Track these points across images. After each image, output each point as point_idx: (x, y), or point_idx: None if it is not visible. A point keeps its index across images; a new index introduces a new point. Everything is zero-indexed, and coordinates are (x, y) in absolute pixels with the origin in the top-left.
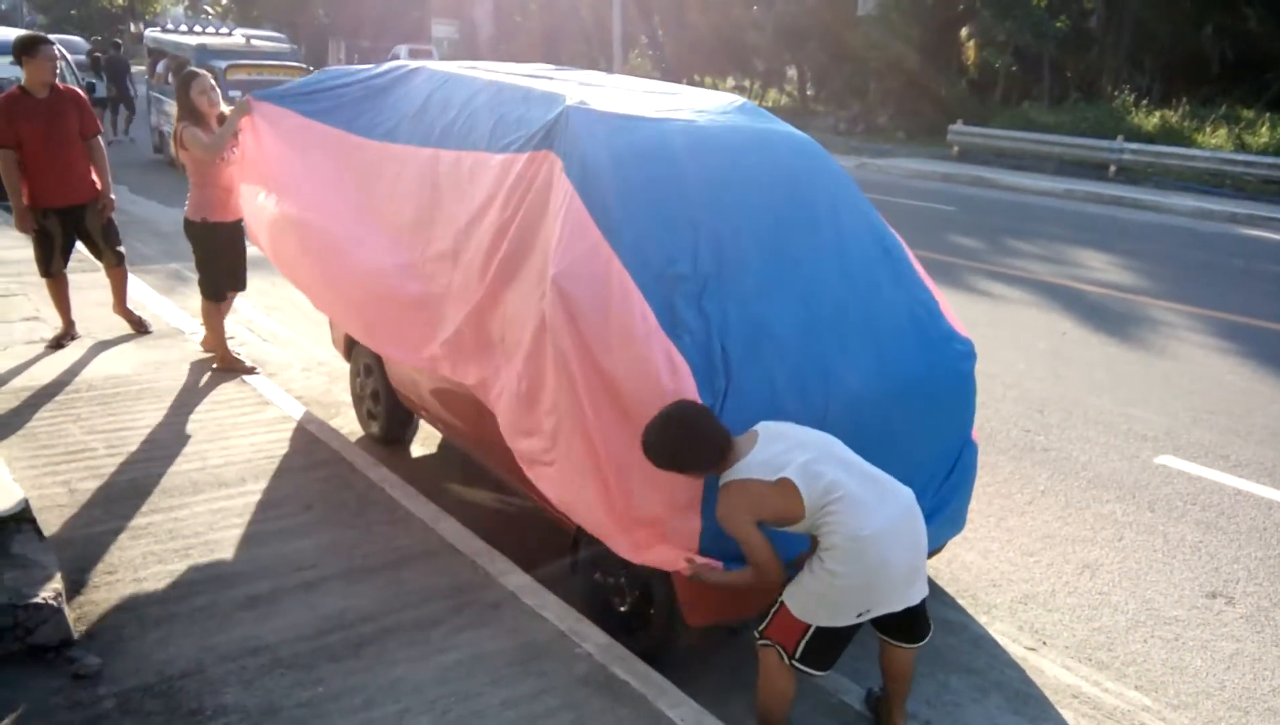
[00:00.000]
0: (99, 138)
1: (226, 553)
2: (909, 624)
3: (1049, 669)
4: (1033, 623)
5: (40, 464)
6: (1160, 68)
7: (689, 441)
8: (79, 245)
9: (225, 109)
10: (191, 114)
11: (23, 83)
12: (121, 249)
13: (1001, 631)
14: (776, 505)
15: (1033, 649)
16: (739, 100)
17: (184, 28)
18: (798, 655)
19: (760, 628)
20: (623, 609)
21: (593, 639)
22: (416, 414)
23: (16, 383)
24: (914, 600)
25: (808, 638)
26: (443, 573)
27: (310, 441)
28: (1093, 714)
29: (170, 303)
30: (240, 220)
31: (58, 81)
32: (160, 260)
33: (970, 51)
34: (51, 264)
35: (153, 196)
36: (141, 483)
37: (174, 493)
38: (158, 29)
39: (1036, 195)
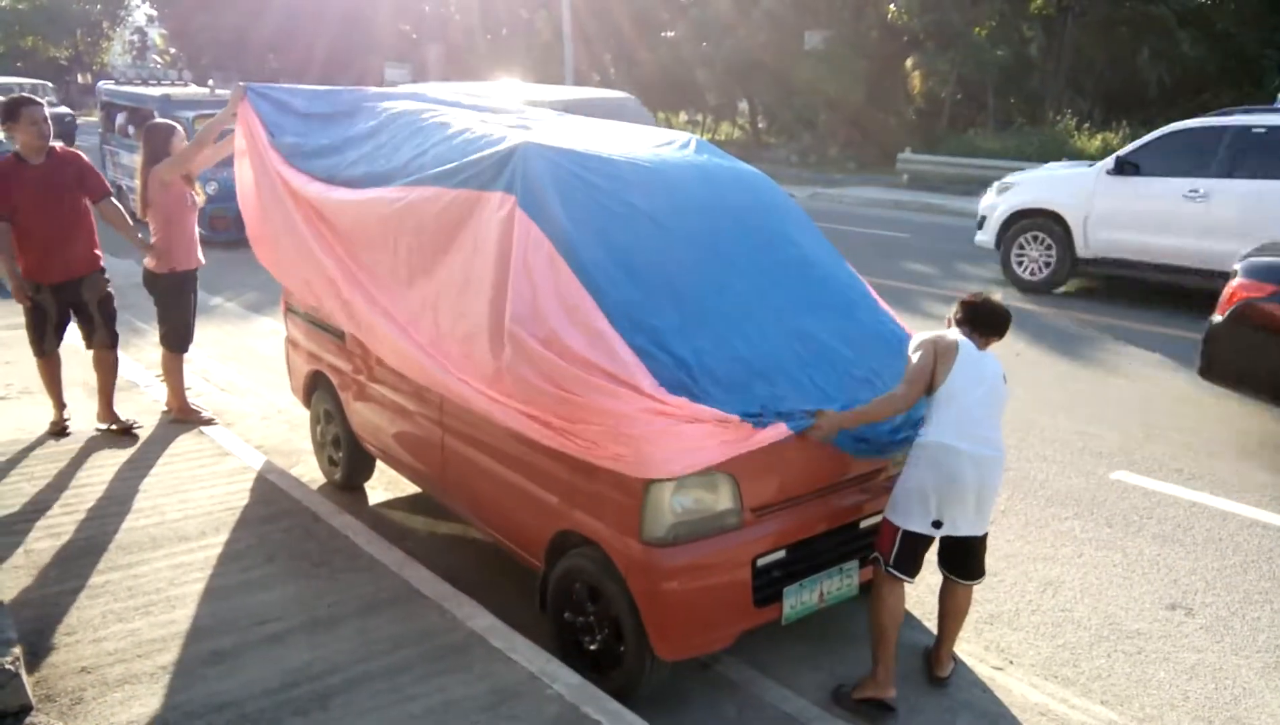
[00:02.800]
0: (111, 199)
1: (188, 608)
2: (967, 558)
3: (1016, 688)
4: (998, 642)
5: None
6: (1100, 93)
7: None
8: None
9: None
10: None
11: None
12: (116, 330)
13: (968, 652)
14: (942, 357)
15: (999, 668)
16: (689, 137)
17: (139, 80)
18: (891, 561)
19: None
20: (593, 647)
21: (563, 679)
22: (378, 458)
23: None
24: (978, 531)
25: (898, 543)
26: (410, 619)
27: (271, 491)
28: None
29: (124, 355)
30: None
31: (55, 144)
32: None
33: (916, 82)
34: (45, 342)
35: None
36: (98, 540)
37: (132, 549)
38: (111, 81)
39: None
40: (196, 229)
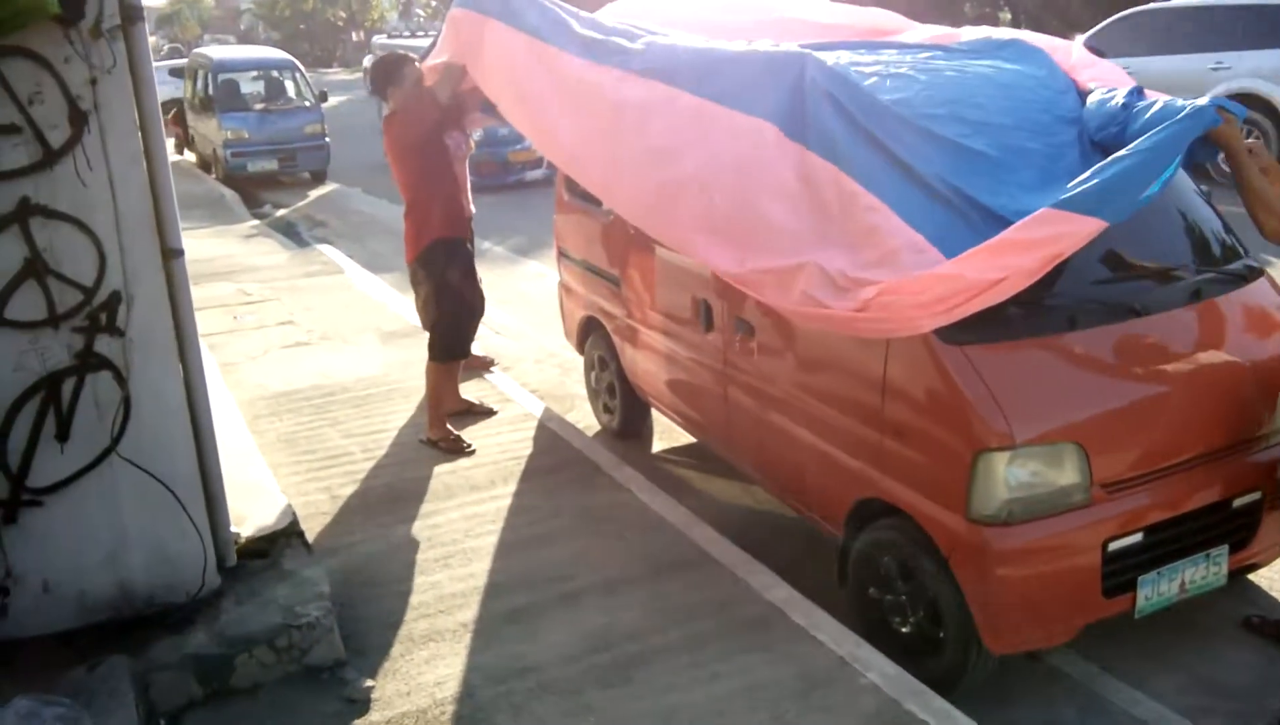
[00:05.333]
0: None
1: (483, 562)
2: None
3: None
4: None
5: (303, 470)
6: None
7: None
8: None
9: None
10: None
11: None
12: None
13: None
14: None
15: None
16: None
17: (409, 32)
18: None
19: None
20: (904, 630)
21: (878, 668)
22: (654, 407)
23: (276, 387)
24: None
25: None
26: (703, 585)
27: (552, 440)
28: None
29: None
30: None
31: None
32: (396, 258)
33: None
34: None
35: (383, 196)
36: (397, 488)
37: (429, 497)
38: (384, 36)
39: None
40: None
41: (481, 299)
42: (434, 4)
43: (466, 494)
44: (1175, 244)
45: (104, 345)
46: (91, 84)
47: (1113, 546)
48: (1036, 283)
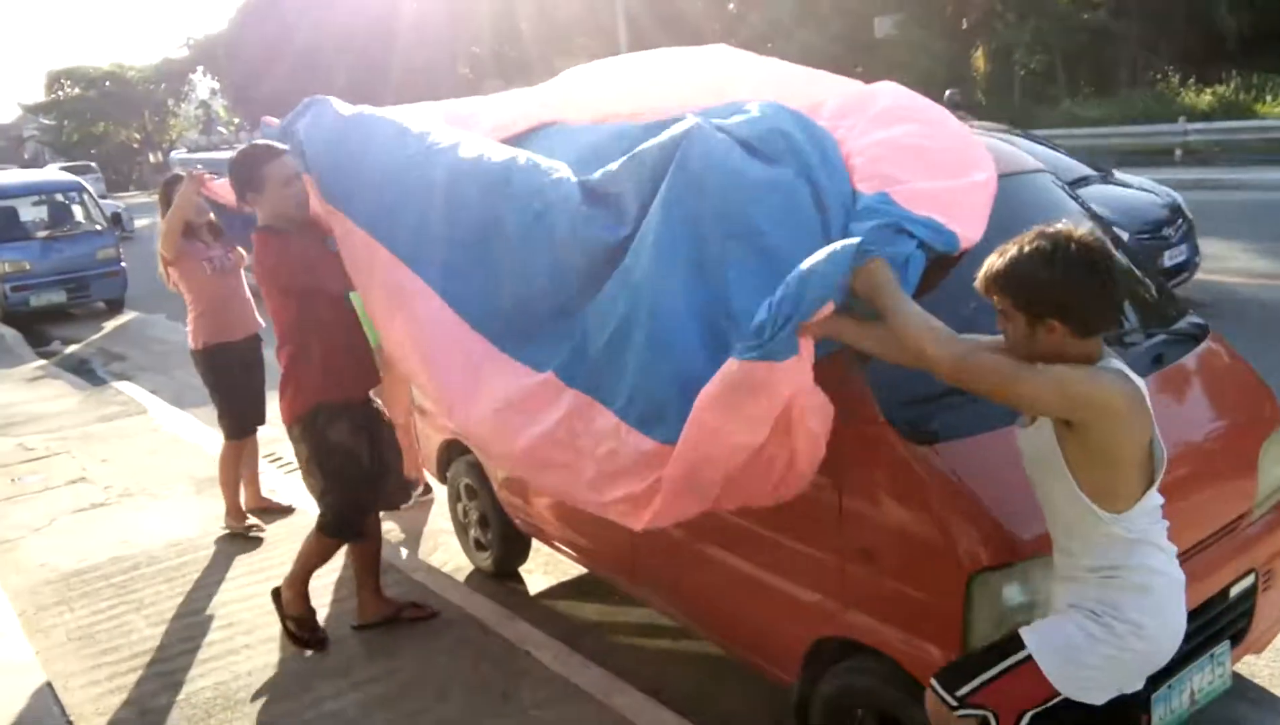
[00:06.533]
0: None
1: None
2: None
3: None
4: None
5: (103, 679)
6: (1175, 51)
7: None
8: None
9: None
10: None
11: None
12: None
13: None
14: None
15: None
16: None
17: (210, 147)
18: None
19: (964, 690)
20: None
21: None
22: (535, 537)
23: (66, 565)
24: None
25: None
26: None
27: (422, 594)
28: None
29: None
30: (255, 335)
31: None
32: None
33: (980, 60)
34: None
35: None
36: (231, 688)
37: (274, 696)
38: (183, 150)
39: None
40: (245, 289)
41: (394, 452)
42: (236, 120)
43: (324, 683)
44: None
45: None
46: None
47: None
48: None
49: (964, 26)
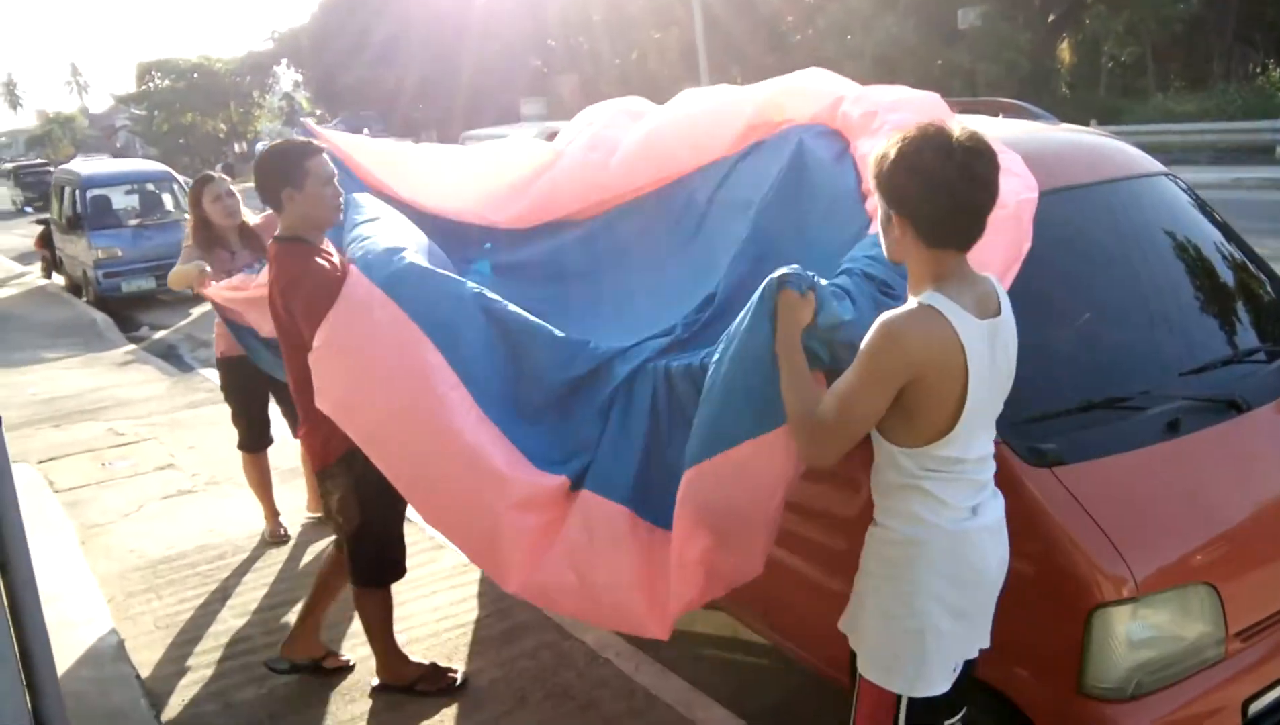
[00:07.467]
0: None
1: None
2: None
3: None
4: None
5: (190, 669)
6: (1272, 43)
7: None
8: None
9: (252, 217)
10: (199, 229)
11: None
12: None
13: None
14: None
15: None
16: None
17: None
18: None
19: None
20: None
21: None
22: None
23: (154, 552)
24: (986, 642)
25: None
26: None
27: (501, 597)
28: None
29: None
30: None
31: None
32: None
33: (1065, 53)
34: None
35: None
36: (311, 685)
37: (352, 695)
38: (265, 141)
39: (1203, 189)
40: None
41: None
42: (318, 111)
43: None
44: (1244, 315)
45: None
46: None
47: (1254, 707)
48: (1117, 377)
49: (1050, 19)
